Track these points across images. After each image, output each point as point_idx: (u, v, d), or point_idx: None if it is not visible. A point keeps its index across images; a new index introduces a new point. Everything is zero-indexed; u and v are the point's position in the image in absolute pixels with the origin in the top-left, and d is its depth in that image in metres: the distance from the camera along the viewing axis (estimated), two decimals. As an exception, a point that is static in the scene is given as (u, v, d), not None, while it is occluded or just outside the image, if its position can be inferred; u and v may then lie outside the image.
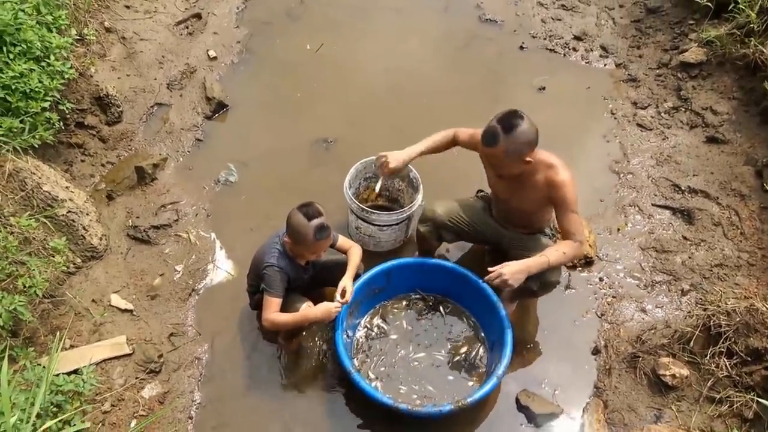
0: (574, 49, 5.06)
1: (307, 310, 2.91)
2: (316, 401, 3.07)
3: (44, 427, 2.12)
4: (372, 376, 3.06)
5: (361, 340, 3.21)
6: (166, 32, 4.73)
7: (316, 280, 3.18)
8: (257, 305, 3.18)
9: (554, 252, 2.83)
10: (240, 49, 4.91)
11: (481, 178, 3.23)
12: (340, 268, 3.07)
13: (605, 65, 4.95)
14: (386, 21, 5.31)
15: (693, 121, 4.35)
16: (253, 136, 4.34)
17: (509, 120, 2.66)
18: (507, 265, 2.78)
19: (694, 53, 4.59)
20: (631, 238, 3.76)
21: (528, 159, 2.72)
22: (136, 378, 3.03)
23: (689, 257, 3.61)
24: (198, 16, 4.96)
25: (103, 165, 3.97)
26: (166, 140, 4.20)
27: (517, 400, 3.06)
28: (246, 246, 3.36)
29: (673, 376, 2.96)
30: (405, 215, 3.39)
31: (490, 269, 2.79)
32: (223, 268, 3.57)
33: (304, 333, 3.24)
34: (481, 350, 3.18)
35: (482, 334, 3.24)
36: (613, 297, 3.48)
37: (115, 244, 3.57)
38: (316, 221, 2.76)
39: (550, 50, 5.06)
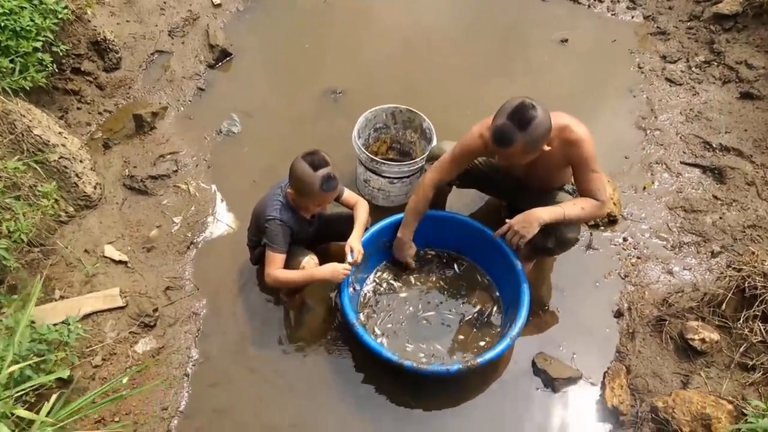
0: (600, 0, 4.80)
1: (314, 269, 2.74)
2: (319, 358, 2.91)
3: (11, 369, 1.93)
4: (378, 331, 2.89)
5: (368, 294, 3.03)
6: (169, -23, 4.50)
7: (321, 234, 3.00)
8: (258, 260, 3.01)
9: (571, 205, 2.61)
10: (246, -5, 4.69)
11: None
12: (345, 221, 2.90)
13: (632, 17, 4.71)
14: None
15: (726, 76, 4.11)
16: (258, 86, 4.14)
17: (522, 114, 2.34)
18: (517, 216, 2.58)
19: (728, 4, 4.35)
20: (658, 197, 3.53)
21: (546, 146, 2.46)
22: (130, 332, 2.87)
23: (720, 217, 3.39)
24: (202, -39, 4.72)
25: (100, 113, 3.81)
26: (167, 89, 4.02)
27: (534, 363, 2.88)
28: (248, 199, 3.16)
29: (702, 340, 2.76)
30: (417, 166, 3.18)
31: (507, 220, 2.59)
32: (223, 221, 3.39)
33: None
34: (495, 310, 2.99)
35: (497, 294, 3.05)
36: (638, 258, 3.27)
37: (111, 194, 3.40)
38: (322, 171, 2.54)
39: (574, 1, 4.84)
